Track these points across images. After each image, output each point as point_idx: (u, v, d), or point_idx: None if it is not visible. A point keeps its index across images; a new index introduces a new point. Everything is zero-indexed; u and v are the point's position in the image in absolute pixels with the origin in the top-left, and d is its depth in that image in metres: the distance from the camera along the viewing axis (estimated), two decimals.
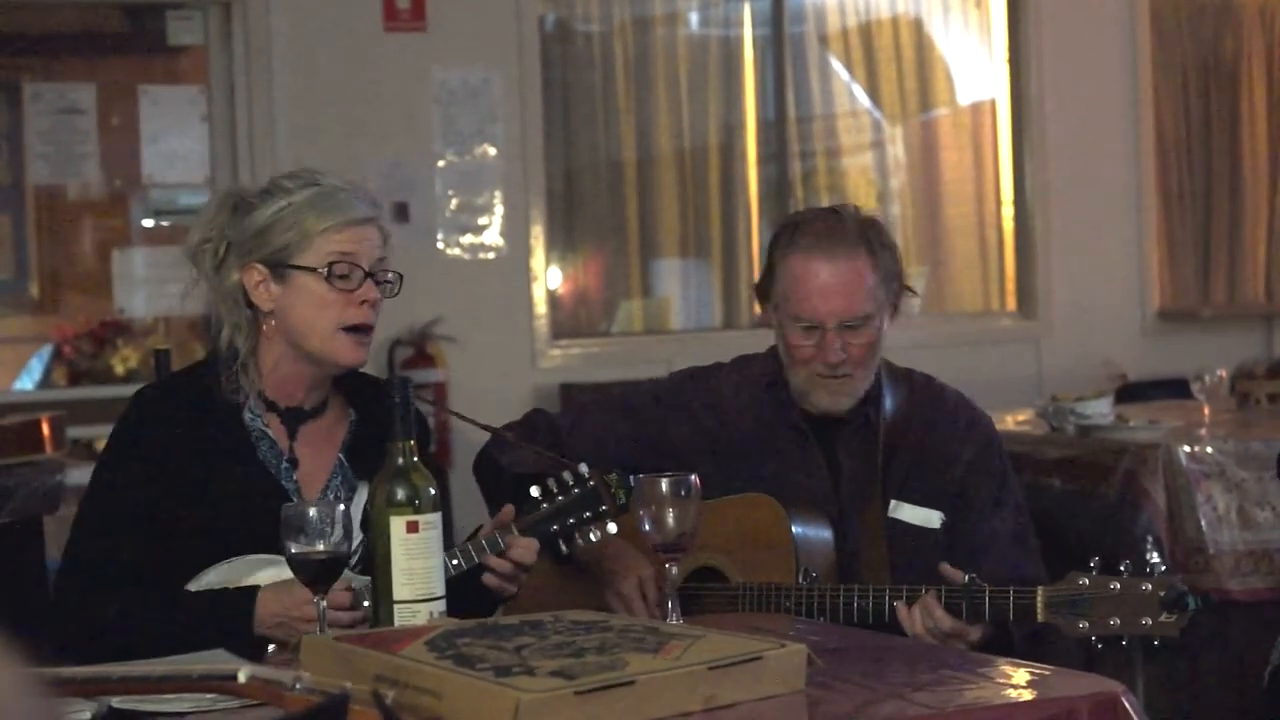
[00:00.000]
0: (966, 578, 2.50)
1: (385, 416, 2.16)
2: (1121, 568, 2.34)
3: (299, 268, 2.46)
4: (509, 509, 2.48)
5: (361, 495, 2.52)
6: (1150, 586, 2.31)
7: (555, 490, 2.49)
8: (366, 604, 2.32)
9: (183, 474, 2.46)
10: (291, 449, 2.54)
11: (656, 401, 2.94)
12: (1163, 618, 2.30)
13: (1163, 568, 2.34)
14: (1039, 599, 2.39)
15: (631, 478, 2.47)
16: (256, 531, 2.40)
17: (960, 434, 2.84)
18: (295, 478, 2.52)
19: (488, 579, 2.43)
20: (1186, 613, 2.30)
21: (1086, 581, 2.35)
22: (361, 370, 2.59)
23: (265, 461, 2.51)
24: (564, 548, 2.50)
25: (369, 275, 2.47)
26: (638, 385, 3.09)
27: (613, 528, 2.49)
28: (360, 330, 2.49)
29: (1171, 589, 2.30)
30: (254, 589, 2.38)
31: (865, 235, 2.77)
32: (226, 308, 2.51)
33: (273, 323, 2.49)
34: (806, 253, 2.75)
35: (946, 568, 2.54)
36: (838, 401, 2.80)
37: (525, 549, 2.44)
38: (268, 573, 2.40)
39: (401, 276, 2.54)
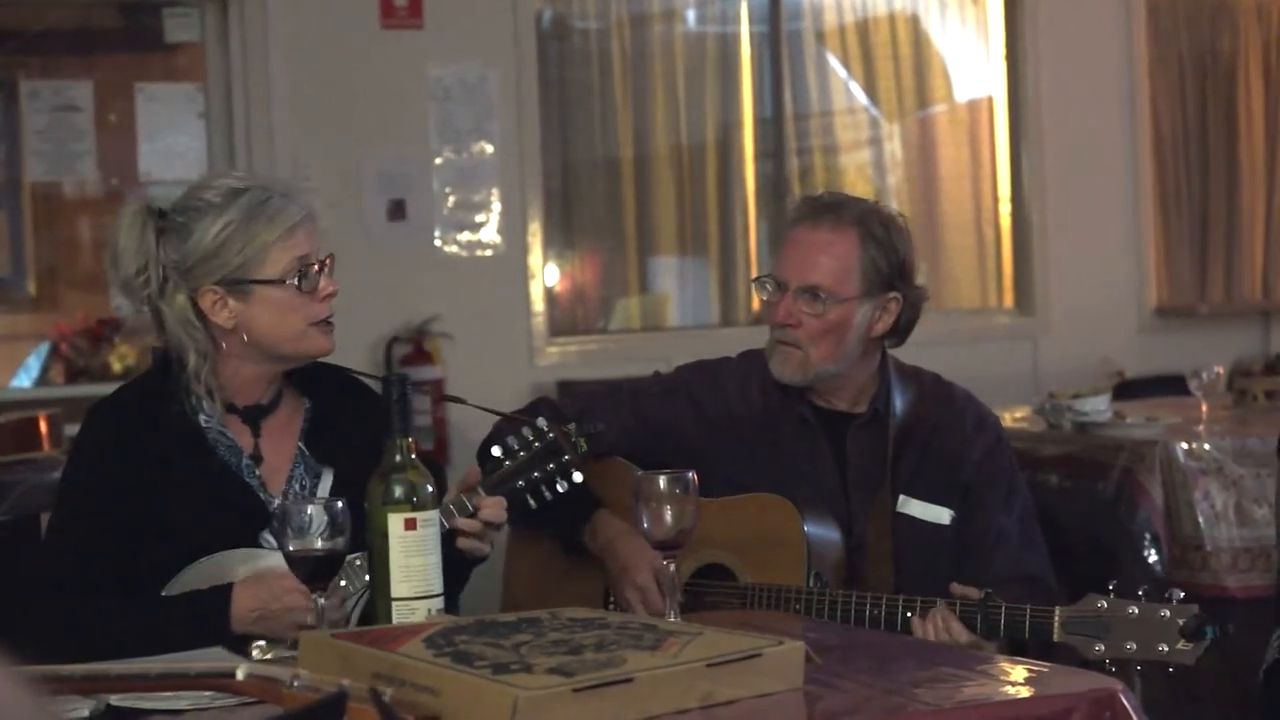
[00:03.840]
0: (983, 593, 2.50)
1: (383, 414, 2.18)
2: (1140, 592, 2.33)
3: (261, 282, 2.46)
4: (474, 470, 2.50)
5: (326, 481, 2.54)
6: (1169, 613, 2.30)
7: (516, 447, 2.50)
8: (344, 584, 2.33)
9: (145, 483, 2.46)
10: (256, 446, 2.54)
11: (663, 393, 2.93)
12: (1179, 645, 2.29)
13: (1180, 594, 2.34)
14: (1056, 619, 2.39)
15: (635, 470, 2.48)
16: (226, 530, 2.43)
17: (968, 434, 2.84)
18: (258, 472, 2.53)
19: (461, 542, 2.43)
20: (1204, 641, 2.29)
21: (1104, 604, 2.34)
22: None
23: (226, 461, 2.51)
24: (532, 502, 2.51)
25: (321, 268, 2.50)
26: (644, 377, 3.08)
27: (578, 476, 2.51)
28: (326, 321, 2.52)
29: (1192, 619, 2.29)
30: (227, 586, 2.37)
31: (863, 220, 2.77)
32: (181, 328, 2.49)
33: (235, 337, 2.49)
34: (797, 217, 2.81)
35: (958, 587, 2.53)
36: (785, 371, 2.79)
37: (494, 507, 2.44)
38: (243, 567, 2.41)
39: (332, 255, 2.54)
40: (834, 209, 2.76)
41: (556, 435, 2.50)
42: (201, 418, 2.52)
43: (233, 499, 2.46)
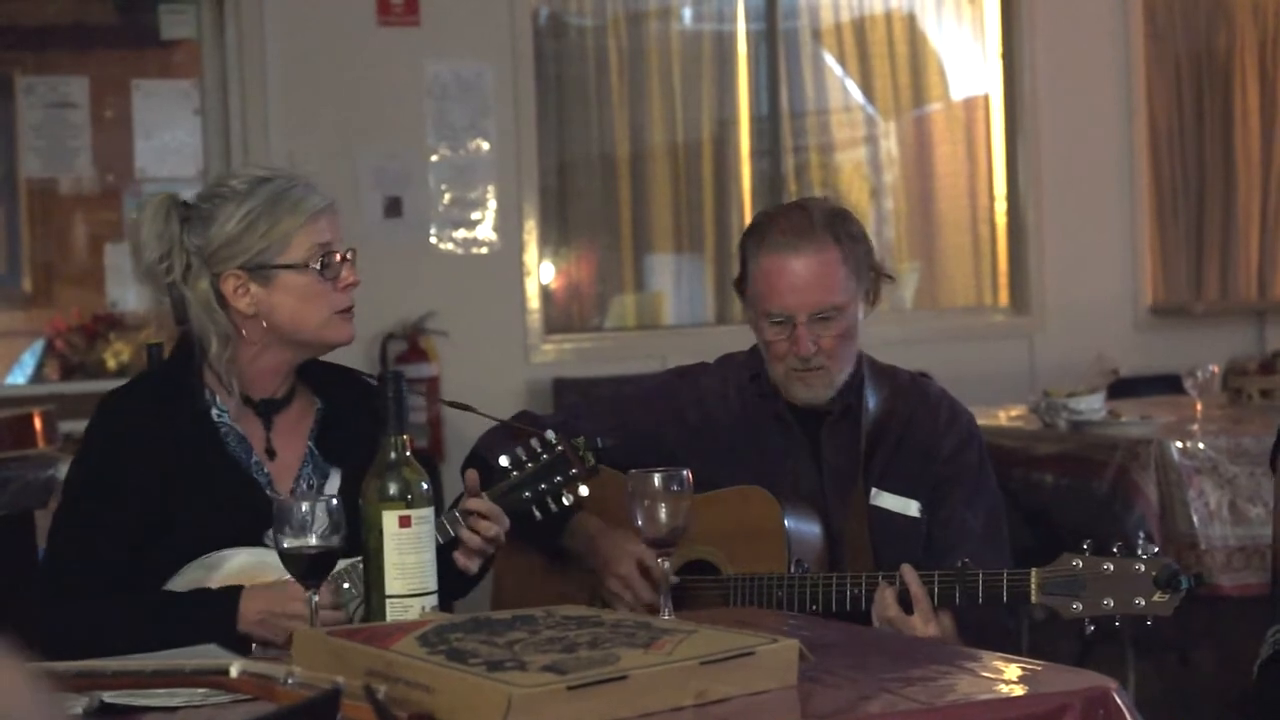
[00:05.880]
0: (960, 563, 2.53)
1: (379, 411, 2.18)
2: (1115, 549, 2.35)
3: (284, 267, 2.48)
4: (472, 474, 2.48)
5: (334, 481, 2.54)
6: (1143, 567, 2.33)
7: (524, 458, 2.50)
8: (347, 586, 2.33)
9: (154, 475, 2.46)
10: (269, 440, 2.55)
11: (644, 399, 2.97)
12: (1156, 597, 2.32)
13: (1155, 549, 2.36)
14: (1033, 580, 2.41)
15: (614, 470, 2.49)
16: (231, 526, 2.43)
17: (940, 429, 2.87)
18: (267, 470, 2.53)
19: (457, 557, 2.43)
20: (1180, 592, 2.32)
21: (1080, 563, 2.37)
22: (323, 359, 2.62)
23: (235, 456, 2.52)
24: (537, 514, 2.51)
25: (344, 259, 2.52)
26: (625, 385, 3.12)
27: (584, 490, 2.51)
28: (347, 310, 2.53)
29: (1165, 568, 2.32)
30: (238, 588, 2.38)
31: (833, 227, 2.80)
32: (204, 314, 2.50)
33: (255, 324, 2.50)
34: (776, 250, 2.78)
35: (908, 569, 2.56)
36: (814, 393, 2.83)
37: (496, 519, 2.44)
38: (241, 561, 2.42)
39: (354, 249, 2.57)
40: (805, 229, 2.78)
41: (565, 448, 2.50)
42: (214, 411, 2.53)
43: (239, 496, 2.46)
